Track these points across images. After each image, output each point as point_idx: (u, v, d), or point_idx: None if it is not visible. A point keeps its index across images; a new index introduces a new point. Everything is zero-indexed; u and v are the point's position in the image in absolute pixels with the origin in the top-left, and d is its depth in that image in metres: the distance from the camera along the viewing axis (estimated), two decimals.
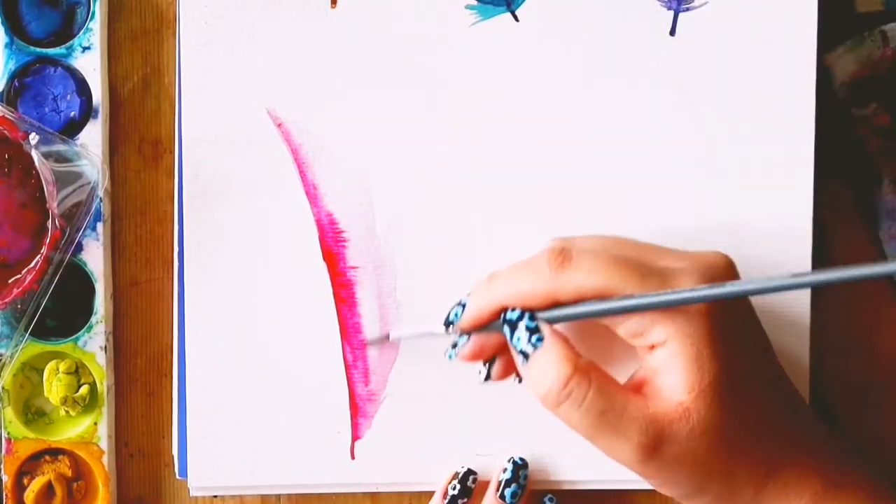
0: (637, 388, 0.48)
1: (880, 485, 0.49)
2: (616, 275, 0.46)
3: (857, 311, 0.59)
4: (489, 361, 0.52)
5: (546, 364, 0.47)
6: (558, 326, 0.49)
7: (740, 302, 0.48)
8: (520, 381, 0.51)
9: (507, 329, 0.48)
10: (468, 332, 0.50)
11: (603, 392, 0.46)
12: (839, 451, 0.49)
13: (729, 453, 0.47)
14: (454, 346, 0.51)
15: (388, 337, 0.57)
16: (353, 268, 0.57)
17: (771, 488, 0.48)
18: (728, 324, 0.46)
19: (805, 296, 0.57)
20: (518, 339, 0.48)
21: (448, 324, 0.51)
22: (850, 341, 0.59)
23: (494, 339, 0.50)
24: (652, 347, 0.47)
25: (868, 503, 0.48)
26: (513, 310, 0.48)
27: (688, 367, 0.45)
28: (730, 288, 0.44)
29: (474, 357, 0.51)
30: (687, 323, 0.45)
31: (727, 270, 0.48)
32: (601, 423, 0.46)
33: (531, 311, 0.48)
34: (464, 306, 0.50)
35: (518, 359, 0.48)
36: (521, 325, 0.48)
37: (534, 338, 0.47)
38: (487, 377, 0.52)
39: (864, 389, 0.58)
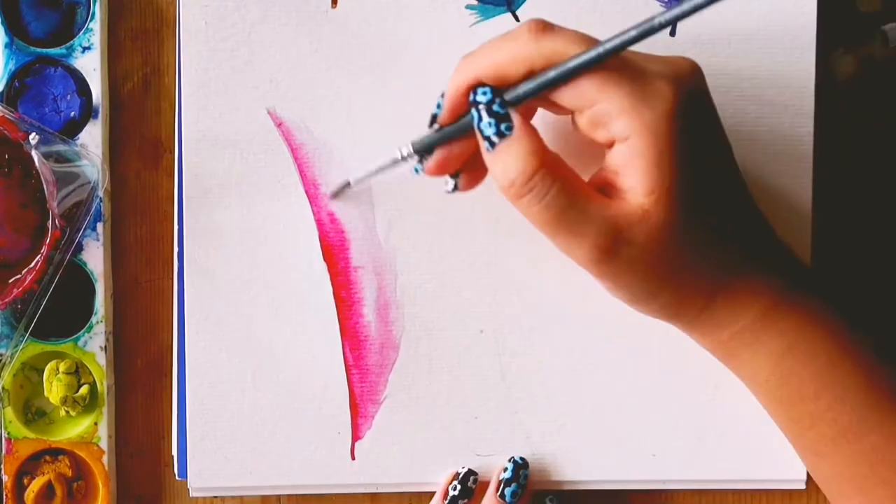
0: (599, 186, 0.47)
1: (829, 306, 0.50)
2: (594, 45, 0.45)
3: (862, 314, 0.59)
4: (455, 175, 0.50)
5: (513, 155, 0.46)
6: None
7: (705, 104, 0.47)
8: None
9: (475, 112, 0.47)
10: (446, 129, 0.49)
11: (565, 190, 0.45)
12: (796, 272, 0.50)
13: (684, 259, 0.47)
14: (420, 160, 0.50)
15: (348, 184, 0.55)
16: (353, 268, 0.57)
17: (721, 299, 0.48)
18: (693, 126, 0.46)
19: None
20: (486, 124, 0.46)
21: (433, 118, 0.49)
22: None
23: (458, 151, 0.49)
24: (613, 144, 0.46)
25: (816, 319, 0.49)
26: (483, 91, 0.46)
27: (649, 168, 0.45)
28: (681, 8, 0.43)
29: (439, 169, 0.50)
30: (652, 120, 0.45)
31: (695, 73, 0.47)
32: (560, 220, 0.46)
33: (502, 98, 0.46)
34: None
35: (484, 144, 0.47)
36: (491, 108, 0.46)
37: (503, 126, 0.46)
38: (455, 188, 0.50)
39: None
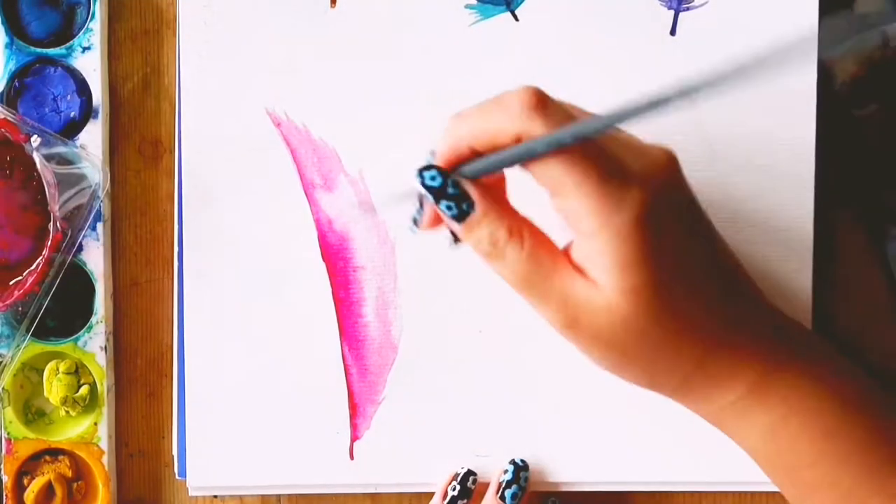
0: (571, 256, 0.46)
1: (829, 362, 0.49)
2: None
3: (862, 314, 0.59)
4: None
5: (479, 231, 0.46)
6: None
7: (681, 198, 0.46)
8: None
9: (432, 197, 0.46)
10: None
11: (532, 257, 0.45)
12: (791, 336, 0.49)
13: (650, 349, 0.46)
14: (414, 221, 0.48)
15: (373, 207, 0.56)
16: (352, 268, 0.57)
17: (699, 378, 0.47)
18: (664, 225, 0.44)
19: (805, 297, 0.57)
20: (445, 206, 0.46)
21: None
22: (856, 344, 0.59)
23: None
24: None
25: (811, 388, 0.48)
26: (432, 176, 0.45)
27: (613, 269, 0.44)
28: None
29: (434, 223, 0.48)
30: (621, 224, 0.43)
31: (670, 168, 0.45)
32: (527, 286, 0.46)
33: (453, 179, 0.45)
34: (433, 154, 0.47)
35: (452, 224, 0.46)
36: (446, 192, 0.45)
37: (463, 205, 0.45)
38: (456, 240, 0.48)
39: None
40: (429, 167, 0.45)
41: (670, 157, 0.46)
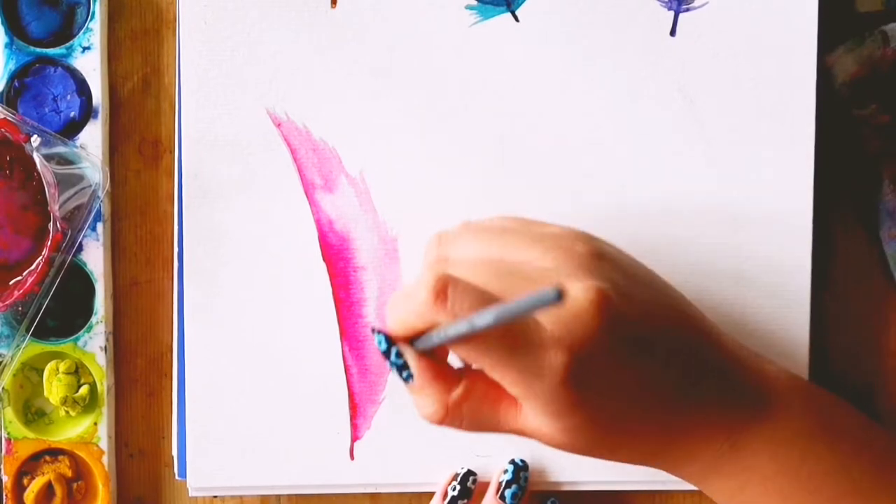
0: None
1: (795, 419, 0.50)
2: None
3: (862, 314, 0.59)
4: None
5: (419, 400, 0.47)
6: None
7: (611, 329, 0.45)
8: None
9: (383, 356, 0.47)
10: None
11: (475, 421, 0.47)
12: (756, 398, 0.49)
13: (600, 455, 0.48)
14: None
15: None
16: (352, 268, 0.57)
17: (655, 463, 0.49)
18: (594, 368, 0.45)
19: (804, 297, 0.57)
20: (393, 369, 0.47)
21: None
22: (856, 344, 0.59)
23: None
24: None
25: (771, 455, 0.49)
26: (378, 340, 0.46)
27: (545, 419, 0.46)
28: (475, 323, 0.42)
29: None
30: (544, 391, 0.44)
31: (595, 324, 0.44)
32: (480, 433, 0.48)
33: (397, 348, 0.46)
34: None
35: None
36: (389, 358, 0.47)
37: (404, 374, 0.46)
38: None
39: (869, 392, 0.58)
40: (380, 331, 0.47)
41: (595, 301, 0.45)
